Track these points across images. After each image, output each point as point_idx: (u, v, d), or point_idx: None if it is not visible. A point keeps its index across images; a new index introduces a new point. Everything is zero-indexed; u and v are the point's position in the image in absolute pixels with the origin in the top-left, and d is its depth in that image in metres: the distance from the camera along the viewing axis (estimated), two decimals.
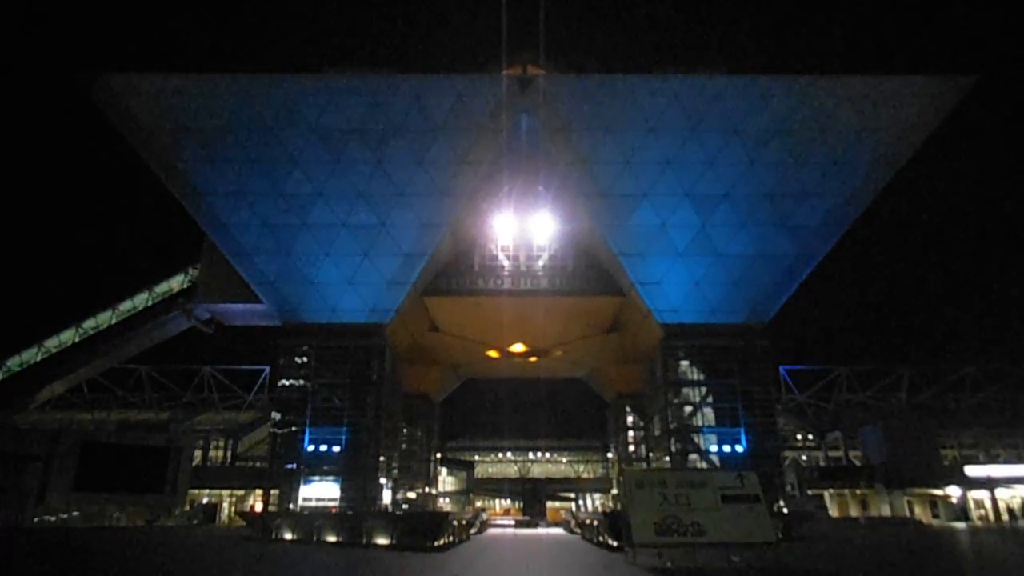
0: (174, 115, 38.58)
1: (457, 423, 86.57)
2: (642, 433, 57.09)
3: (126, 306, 50.42)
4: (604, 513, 37.51)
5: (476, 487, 77.91)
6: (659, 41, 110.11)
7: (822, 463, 66.60)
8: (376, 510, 39.51)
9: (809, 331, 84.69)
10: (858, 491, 57.98)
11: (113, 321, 50.31)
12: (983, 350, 71.68)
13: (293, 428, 40.90)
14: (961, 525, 48.90)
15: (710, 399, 42.38)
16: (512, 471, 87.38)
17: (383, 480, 44.46)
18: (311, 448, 40.31)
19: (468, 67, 41.14)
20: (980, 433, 60.88)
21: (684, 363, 43.05)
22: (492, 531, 46.74)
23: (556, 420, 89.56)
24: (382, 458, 43.22)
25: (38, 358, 51.14)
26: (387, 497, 46.46)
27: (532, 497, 73.16)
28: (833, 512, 58.26)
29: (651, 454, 52.67)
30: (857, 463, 61.69)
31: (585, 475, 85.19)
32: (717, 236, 40.08)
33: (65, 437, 46.43)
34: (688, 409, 42.47)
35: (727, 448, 40.60)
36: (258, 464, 59.42)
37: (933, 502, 55.51)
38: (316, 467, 40.50)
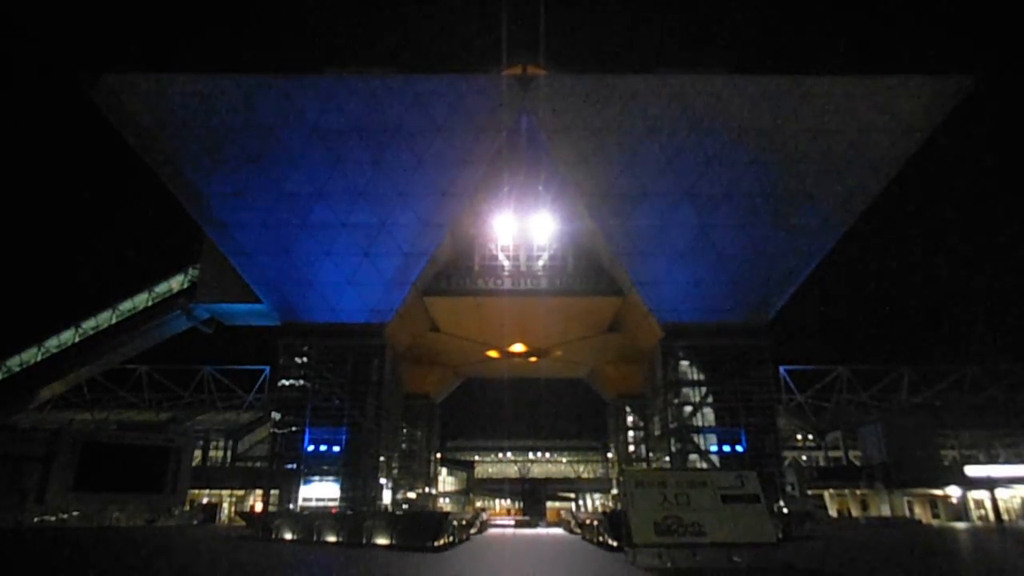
0: (174, 115, 38.64)
1: (457, 423, 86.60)
2: (642, 433, 57.10)
3: (126, 306, 50.35)
4: (604, 513, 37.44)
5: (476, 487, 77.86)
6: (659, 41, 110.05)
7: (822, 463, 66.56)
8: (376, 510, 39.50)
9: (809, 331, 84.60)
10: (858, 491, 57.98)
11: (113, 321, 50.23)
12: (983, 350, 71.54)
13: (293, 428, 40.91)
14: (961, 525, 48.90)
15: (710, 399, 42.37)
16: (512, 471, 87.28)
17: (383, 480, 44.48)
18: (311, 448, 40.32)
19: (468, 67, 41.28)
20: (980, 433, 60.81)
21: (684, 363, 43.06)
22: (492, 531, 46.69)
23: (556, 420, 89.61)
24: (382, 458, 43.26)
25: (38, 358, 51.04)
26: (387, 497, 46.49)
27: (532, 497, 73.06)
28: (833, 512, 58.29)
29: (651, 454, 52.68)
30: (857, 463, 61.66)
31: (585, 475, 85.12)
32: (717, 236, 40.08)
33: (65, 437, 46.35)
34: (688, 409, 42.45)
35: (727, 448, 40.61)
36: (258, 464, 59.40)
37: (933, 502, 55.50)
38: (316, 467, 40.50)
